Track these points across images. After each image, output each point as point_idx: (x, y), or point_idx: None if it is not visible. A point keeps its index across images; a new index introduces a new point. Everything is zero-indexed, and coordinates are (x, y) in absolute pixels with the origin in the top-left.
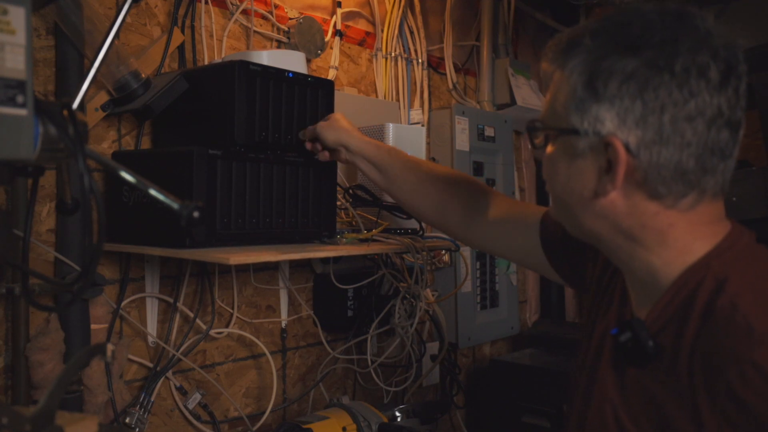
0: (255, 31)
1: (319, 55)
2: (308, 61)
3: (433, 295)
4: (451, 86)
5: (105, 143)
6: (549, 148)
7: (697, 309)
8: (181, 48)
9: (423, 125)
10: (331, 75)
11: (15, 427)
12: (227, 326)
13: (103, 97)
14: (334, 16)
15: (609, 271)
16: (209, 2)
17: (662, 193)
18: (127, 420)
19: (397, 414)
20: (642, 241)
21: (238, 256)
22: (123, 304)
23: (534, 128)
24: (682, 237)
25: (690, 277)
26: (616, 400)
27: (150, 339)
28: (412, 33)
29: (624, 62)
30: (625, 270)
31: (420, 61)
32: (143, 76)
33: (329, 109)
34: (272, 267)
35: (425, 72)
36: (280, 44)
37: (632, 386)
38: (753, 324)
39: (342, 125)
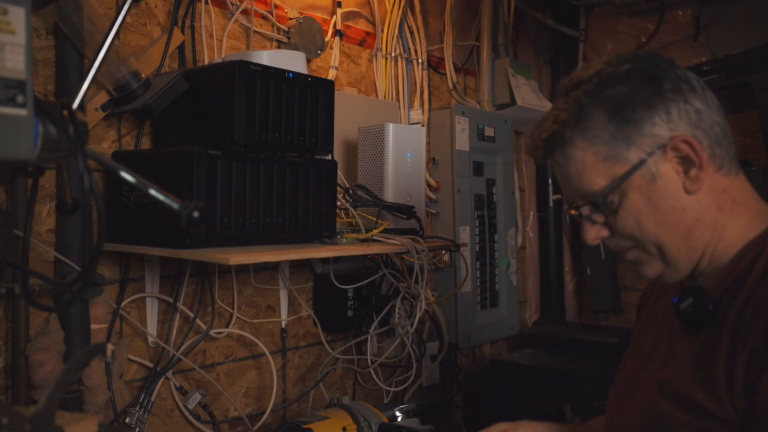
0: (255, 31)
1: (319, 55)
2: (308, 61)
3: (433, 295)
4: (451, 86)
5: (105, 143)
6: (622, 204)
7: (754, 274)
8: (181, 48)
9: (423, 125)
10: (331, 75)
11: (15, 427)
12: (227, 326)
13: (103, 97)
14: (334, 16)
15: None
16: (209, 2)
17: (719, 155)
18: (127, 420)
19: (397, 414)
20: (719, 226)
21: (237, 257)
22: (123, 304)
23: (604, 197)
24: (743, 215)
25: (748, 251)
26: (664, 375)
27: (150, 339)
28: (412, 33)
29: (628, 90)
30: (691, 274)
31: (420, 61)
32: (143, 76)
33: (329, 109)
34: (272, 267)
35: (425, 72)
36: (280, 44)
37: (682, 358)
38: None
39: None
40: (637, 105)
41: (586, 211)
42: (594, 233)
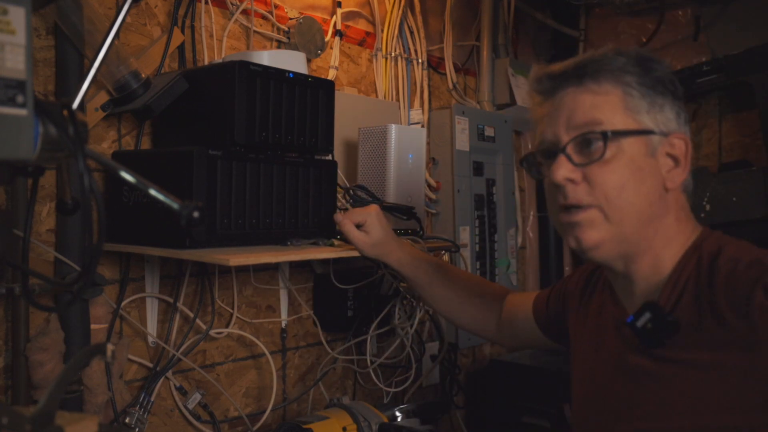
0: (255, 31)
1: (319, 55)
2: (308, 61)
3: None
4: (451, 86)
5: (105, 143)
6: (615, 158)
7: (703, 278)
8: (181, 48)
9: (423, 125)
10: (331, 75)
11: (15, 427)
12: (227, 326)
13: (103, 97)
14: (334, 16)
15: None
16: (209, 2)
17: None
18: (127, 420)
19: (397, 414)
20: (672, 234)
21: (237, 258)
22: (123, 304)
23: (615, 132)
24: (686, 231)
25: (687, 260)
26: (658, 390)
27: (150, 339)
28: (412, 33)
29: (664, 73)
30: (626, 277)
31: (420, 61)
32: (143, 76)
33: (329, 109)
34: (272, 267)
35: (425, 72)
36: (280, 44)
37: (668, 370)
38: (761, 258)
39: (381, 241)
40: (667, 87)
41: (570, 147)
42: (566, 171)
